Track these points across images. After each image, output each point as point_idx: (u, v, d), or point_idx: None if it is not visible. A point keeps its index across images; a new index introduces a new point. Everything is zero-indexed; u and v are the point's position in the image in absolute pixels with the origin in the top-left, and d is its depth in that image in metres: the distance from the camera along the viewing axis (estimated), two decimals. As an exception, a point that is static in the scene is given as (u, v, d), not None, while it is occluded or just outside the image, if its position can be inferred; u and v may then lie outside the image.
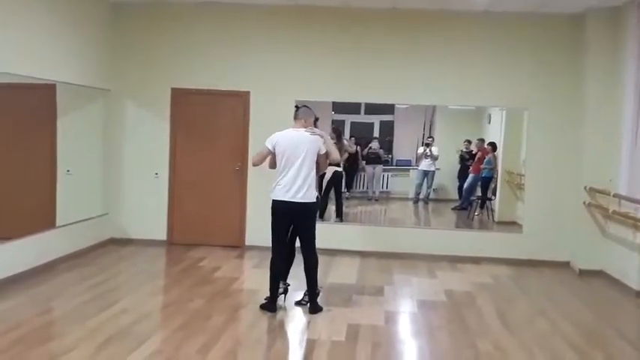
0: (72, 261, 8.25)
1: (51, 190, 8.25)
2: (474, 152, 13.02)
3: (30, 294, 6.79)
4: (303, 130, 6.37)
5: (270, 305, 6.44)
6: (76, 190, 8.82)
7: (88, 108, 9.19)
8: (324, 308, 6.56)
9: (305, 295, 6.66)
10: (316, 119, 6.97)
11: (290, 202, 6.25)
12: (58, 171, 8.29)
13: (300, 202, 6.26)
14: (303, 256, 6.52)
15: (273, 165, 6.47)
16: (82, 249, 8.70)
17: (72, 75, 8.33)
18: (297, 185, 6.23)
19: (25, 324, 5.73)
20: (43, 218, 8.17)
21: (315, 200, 6.40)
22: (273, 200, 6.35)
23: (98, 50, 9.03)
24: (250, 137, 9.37)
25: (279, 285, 6.51)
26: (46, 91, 8.17)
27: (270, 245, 6.54)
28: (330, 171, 10.01)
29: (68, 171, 8.49)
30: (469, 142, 13.65)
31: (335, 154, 6.52)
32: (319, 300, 6.55)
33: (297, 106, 6.57)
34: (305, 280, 6.55)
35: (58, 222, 8.29)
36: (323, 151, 6.35)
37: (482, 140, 12.70)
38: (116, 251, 9.06)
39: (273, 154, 6.41)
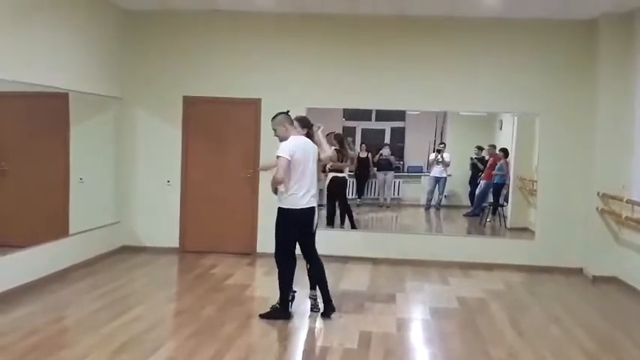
0: (85, 269, 8.29)
1: (64, 199, 8.29)
2: (486, 159, 12.98)
3: (43, 302, 6.82)
4: (303, 136, 6.43)
5: (286, 313, 6.45)
6: (89, 198, 8.86)
7: (100, 116, 9.24)
8: (336, 315, 6.57)
9: (315, 300, 6.68)
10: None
11: (307, 208, 6.28)
12: (70, 179, 8.33)
13: (313, 207, 6.34)
14: (313, 261, 6.53)
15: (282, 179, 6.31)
16: (94, 257, 8.74)
17: (84, 83, 8.38)
18: (313, 191, 6.32)
19: (39, 331, 5.76)
20: (56, 226, 8.21)
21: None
22: (294, 209, 6.26)
23: (110, 59, 9.09)
24: (262, 144, 9.39)
25: (291, 289, 6.53)
26: (59, 100, 8.22)
27: (279, 252, 6.49)
28: (328, 177, 10.10)
29: (81, 179, 8.53)
30: (480, 148, 13.61)
31: (328, 152, 6.63)
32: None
33: (287, 112, 6.49)
34: (309, 285, 6.66)
35: (71, 230, 8.33)
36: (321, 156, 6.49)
37: (493, 146, 12.66)
38: (128, 259, 9.08)
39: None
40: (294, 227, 6.35)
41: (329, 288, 6.61)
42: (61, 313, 6.59)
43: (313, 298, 6.71)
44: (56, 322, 6.23)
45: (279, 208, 6.36)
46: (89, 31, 8.50)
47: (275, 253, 6.52)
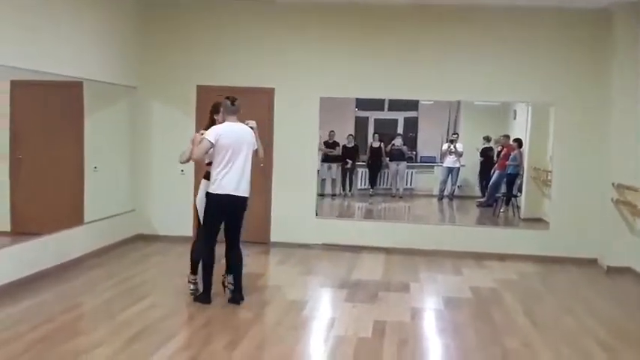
0: (99, 257, 8.34)
1: (79, 187, 8.32)
2: (499, 149, 12.94)
3: (58, 290, 6.87)
4: (241, 124, 6.33)
5: (206, 297, 6.43)
6: (104, 186, 8.90)
7: (114, 105, 9.28)
8: (350, 304, 6.59)
9: (230, 285, 6.63)
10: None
11: (234, 195, 6.22)
12: (85, 168, 8.36)
13: (243, 197, 6.29)
14: (231, 250, 6.47)
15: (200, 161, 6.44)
16: (109, 245, 8.78)
17: (99, 72, 8.40)
18: (244, 179, 6.25)
19: (54, 319, 5.80)
20: (71, 215, 8.25)
21: (249, 195, 6.41)
22: (216, 194, 6.19)
23: (125, 48, 9.11)
24: (275, 134, 9.40)
25: (212, 275, 6.43)
26: (74, 89, 8.24)
27: (202, 234, 6.52)
28: None
29: (95, 168, 8.56)
30: (487, 139, 13.60)
31: (261, 151, 6.51)
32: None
33: (228, 98, 6.41)
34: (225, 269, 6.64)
35: (86, 218, 8.37)
36: (255, 147, 6.39)
37: (507, 136, 12.63)
38: (143, 247, 9.13)
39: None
40: (214, 210, 6.29)
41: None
42: (76, 300, 6.64)
43: (224, 284, 6.69)
44: (71, 309, 6.27)
45: (206, 192, 6.33)
46: (104, 21, 8.52)
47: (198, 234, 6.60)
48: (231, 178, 6.18)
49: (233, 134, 6.21)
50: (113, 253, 8.67)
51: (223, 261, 6.59)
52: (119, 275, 7.55)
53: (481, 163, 13.71)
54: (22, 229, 7.79)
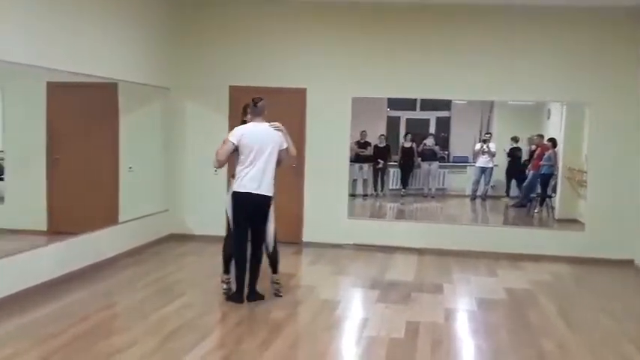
0: (134, 256, 8.42)
1: (114, 187, 8.42)
2: (533, 149, 12.83)
3: (94, 288, 6.96)
4: (266, 124, 6.38)
5: (238, 296, 6.47)
6: (138, 186, 8.99)
7: (148, 106, 9.37)
8: (382, 305, 6.58)
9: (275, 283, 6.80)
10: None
11: (255, 194, 6.29)
12: (120, 168, 8.46)
13: (264, 195, 6.34)
14: (253, 249, 6.52)
15: (224, 162, 6.48)
16: (143, 245, 8.87)
17: (133, 74, 8.49)
18: (265, 178, 6.31)
19: (90, 318, 5.88)
20: (107, 214, 8.34)
21: (271, 195, 6.43)
22: (239, 192, 6.30)
23: (159, 49, 9.19)
24: (307, 134, 9.42)
25: (244, 274, 6.48)
26: (108, 90, 8.34)
27: (226, 235, 6.73)
28: None
29: (130, 168, 8.65)
30: (515, 139, 13.57)
31: (293, 149, 6.53)
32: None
33: (253, 100, 6.48)
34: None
35: (121, 218, 8.47)
36: (284, 146, 6.40)
37: (541, 136, 12.51)
38: (177, 247, 9.21)
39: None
40: (240, 209, 6.38)
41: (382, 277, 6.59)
42: (111, 299, 6.73)
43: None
44: (106, 308, 6.36)
45: (232, 191, 6.43)
46: (139, 22, 8.61)
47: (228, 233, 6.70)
48: (253, 177, 6.26)
49: (256, 134, 6.31)
50: (147, 252, 8.75)
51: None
52: (153, 274, 7.62)
53: (509, 163, 13.67)
54: (58, 228, 7.89)
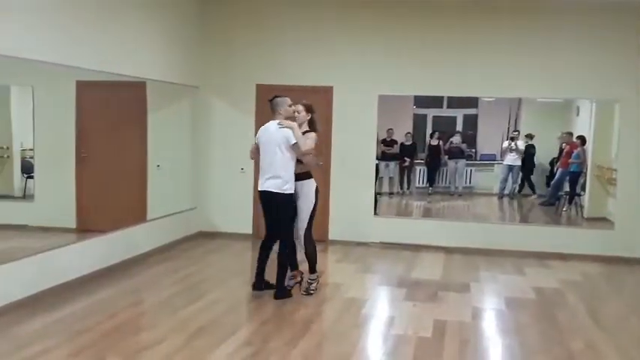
0: (162, 254, 8.49)
1: (142, 185, 8.50)
2: (562, 147, 12.66)
3: (123, 285, 7.02)
4: (275, 122, 6.46)
5: (255, 282, 6.72)
6: (166, 184, 9.06)
7: (176, 104, 9.44)
8: (410, 303, 6.55)
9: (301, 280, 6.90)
10: (308, 107, 6.68)
11: (262, 191, 6.49)
12: (148, 166, 8.53)
13: (269, 192, 6.43)
14: (279, 244, 6.67)
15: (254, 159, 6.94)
16: (171, 242, 8.94)
17: (162, 72, 8.56)
18: (268, 175, 6.43)
19: (119, 314, 5.94)
20: (135, 212, 8.43)
21: (285, 192, 6.40)
22: (259, 190, 6.60)
23: (186, 48, 9.25)
24: (333, 132, 9.42)
25: (262, 263, 6.67)
26: (137, 89, 8.41)
27: None
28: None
29: (158, 166, 8.73)
30: (530, 136, 13.61)
31: (304, 146, 6.38)
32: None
33: (272, 98, 6.61)
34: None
35: (149, 216, 8.54)
36: (292, 142, 6.34)
37: (570, 134, 12.35)
38: (204, 244, 9.26)
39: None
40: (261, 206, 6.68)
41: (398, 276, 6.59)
42: (139, 296, 6.80)
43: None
44: (134, 305, 6.43)
45: None
46: (168, 22, 8.67)
47: None
48: (262, 174, 6.52)
49: (264, 132, 6.53)
50: (175, 249, 8.81)
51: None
52: (181, 272, 7.67)
53: (523, 160, 13.64)
54: (87, 226, 7.96)
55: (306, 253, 6.76)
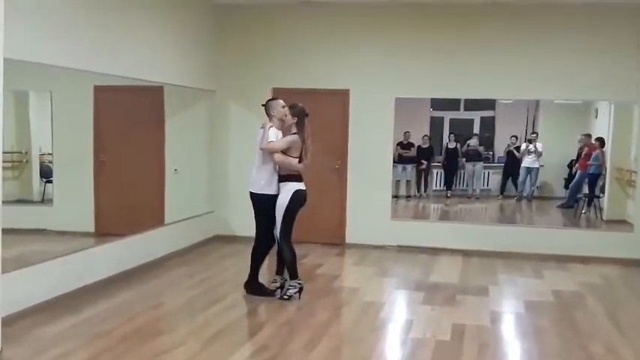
0: (180, 257, 8.51)
1: (160, 189, 8.55)
2: (581, 149, 12.57)
3: (142, 289, 7.05)
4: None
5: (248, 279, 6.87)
6: (183, 188, 9.09)
7: (193, 108, 9.48)
8: (428, 307, 6.54)
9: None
10: (301, 111, 6.66)
11: (250, 191, 6.67)
12: (166, 170, 8.56)
13: (250, 192, 6.66)
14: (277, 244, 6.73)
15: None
16: (189, 246, 8.96)
17: (179, 77, 8.59)
18: (255, 176, 6.61)
19: (138, 317, 5.96)
20: (153, 216, 8.47)
21: (266, 192, 6.53)
22: None
23: (203, 53, 9.28)
24: (350, 135, 9.41)
25: (256, 261, 6.81)
26: (154, 93, 8.46)
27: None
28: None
29: (176, 170, 8.76)
30: (516, 137, 13.67)
31: (266, 145, 6.42)
32: None
33: (265, 102, 6.75)
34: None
35: (167, 220, 8.57)
36: (261, 145, 6.46)
37: (588, 135, 12.28)
38: (221, 248, 9.27)
39: None
40: None
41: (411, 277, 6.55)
42: (158, 300, 6.82)
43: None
44: (154, 308, 6.45)
45: None
46: (185, 26, 8.71)
47: None
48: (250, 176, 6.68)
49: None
50: (193, 253, 8.84)
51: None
52: (199, 275, 7.69)
53: (506, 161, 14.11)
54: (105, 230, 8.01)
55: (282, 257, 6.69)
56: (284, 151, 6.47)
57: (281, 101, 6.65)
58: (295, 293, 6.55)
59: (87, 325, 5.75)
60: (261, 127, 6.54)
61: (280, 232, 6.54)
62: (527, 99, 11.70)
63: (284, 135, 6.56)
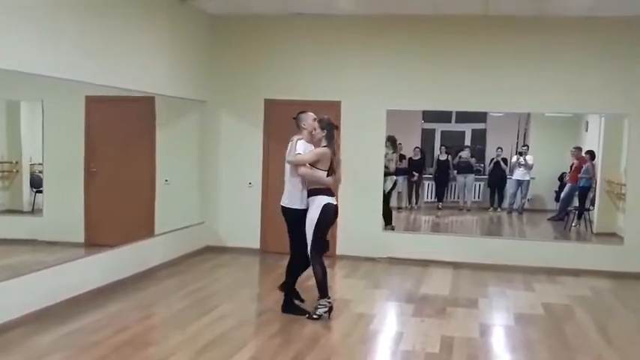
0: (170, 268, 8.49)
1: (150, 200, 8.53)
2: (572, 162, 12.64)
3: (132, 299, 7.03)
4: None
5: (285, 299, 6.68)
6: (174, 199, 9.08)
7: (185, 119, 9.48)
8: (418, 319, 6.54)
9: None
10: (330, 123, 6.53)
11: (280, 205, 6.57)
12: (156, 181, 8.56)
13: (281, 206, 6.54)
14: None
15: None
16: (179, 256, 8.94)
17: (170, 87, 8.58)
18: (286, 190, 6.54)
19: (128, 328, 5.94)
20: (143, 227, 8.45)
21: (293, 207, 6.43)
22: None
23: (195, 63, 9.29)
24: (342, 146, 9.39)
25: (291, 282, 6.65)
26: (145, 103, 8.47)
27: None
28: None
29: (166, 181, 8.76)
30: (501, 149, 13.80)
31: (292, 158, 6.39)
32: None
33: (296, 115, 6.63)
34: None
35: (157, 230, 8.55)
36: (288, 158, 6.44)
37: (579, 149, 12.34)
38: (212, 259, 9.25)
39: None
40: None
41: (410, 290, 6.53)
42: (148, 310, 6.80)
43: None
44: (144, 319, 6.42)
45: None
46: (176, 36, 8.71)
47: None
48: None
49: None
50: (183, 264, 8.81)
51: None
52: (189, 286, 7.66)
53: (491, 173, 14.27)
54: (95, 240, 8.01)
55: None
56: (312, 164, 6.34)
57: (311, 114, 6.54)
58: (325, 312, 6.37)
59: (78, 335, 5.73)
60: (291, 141, 6.48)
61: (311, 249, 6.36)
62: (518, 112, 11.75)
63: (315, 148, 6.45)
